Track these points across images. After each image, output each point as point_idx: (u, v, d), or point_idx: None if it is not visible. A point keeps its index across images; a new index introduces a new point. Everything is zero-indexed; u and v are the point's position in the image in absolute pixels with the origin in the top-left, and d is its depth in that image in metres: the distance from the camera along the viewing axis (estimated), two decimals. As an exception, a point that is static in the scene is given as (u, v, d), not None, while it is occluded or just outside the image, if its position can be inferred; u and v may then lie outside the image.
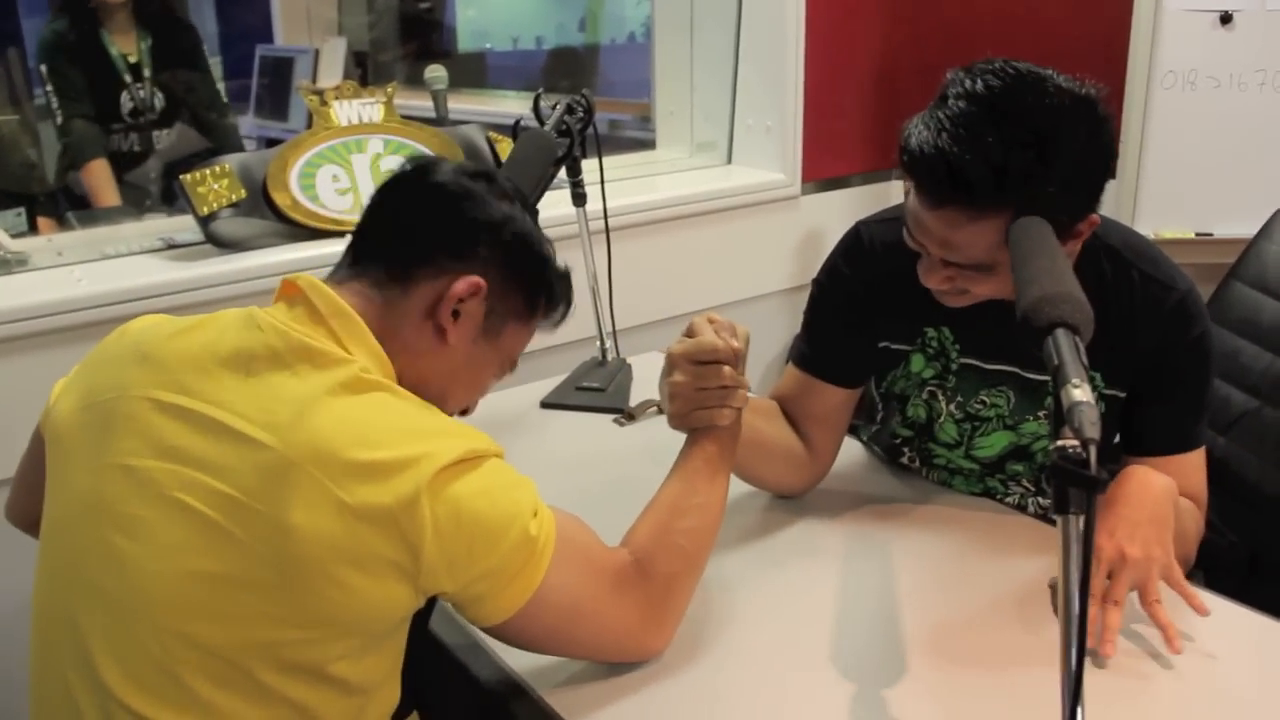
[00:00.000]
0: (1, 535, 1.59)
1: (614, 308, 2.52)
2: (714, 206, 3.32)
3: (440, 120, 2.96)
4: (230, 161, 2.56)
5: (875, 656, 1.48)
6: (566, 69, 6.24)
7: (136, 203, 3.73)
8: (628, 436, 2.21)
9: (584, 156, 2.30)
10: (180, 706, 1.18)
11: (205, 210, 2.48)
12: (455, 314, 1.36)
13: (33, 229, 3.32)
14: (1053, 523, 1.06)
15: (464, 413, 1.49)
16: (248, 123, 5.38)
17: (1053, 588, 1.61)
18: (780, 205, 3.48)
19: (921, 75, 3.51)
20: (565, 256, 1.54)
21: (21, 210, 3.05)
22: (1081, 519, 1.03)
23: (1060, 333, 1.14)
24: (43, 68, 3.66)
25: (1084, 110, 1.51)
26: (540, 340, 1.54)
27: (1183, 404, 1.74)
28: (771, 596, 1.63)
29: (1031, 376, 1.78)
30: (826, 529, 1.82)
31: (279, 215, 2.57)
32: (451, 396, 1.34)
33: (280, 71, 5.58)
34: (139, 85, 3.74)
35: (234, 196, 2.52)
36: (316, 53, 5.57)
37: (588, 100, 2.22)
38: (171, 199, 2.52)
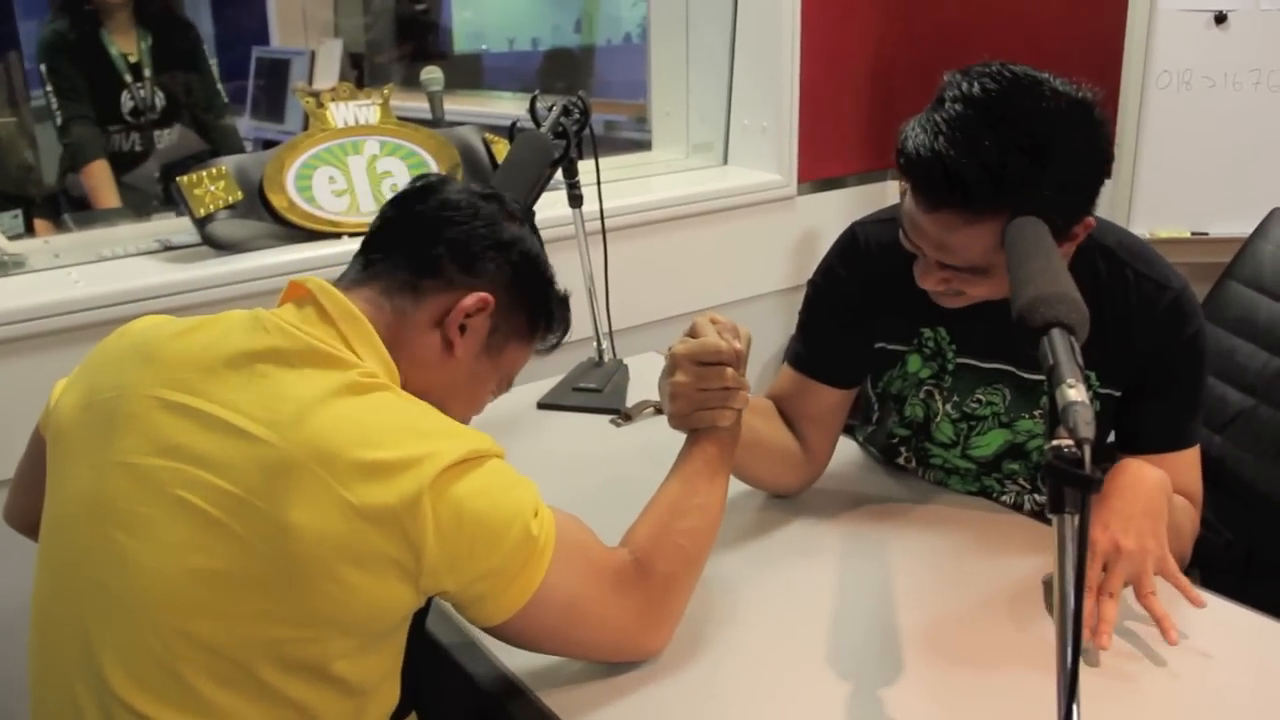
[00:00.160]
0: (6, 536, 1.59)
1: (610, 309, 2.52)
2: (710, 207, 3.32)
3: (436, 122, 2.96)
4: (227, 163, 2.56)
5: (872, 655, 1.48)
6: (562, 70, 6.24)
7: (136, 204, 3.72)
8: (624, 437, 2.21)
9: (580, 158, 2.30)
10: (181, 705, 1.18)
11: (202, 212, 2.48)
12: (462, 328, 1.38)
13: (30, 231, 3.32)
14: (1048, 521, 1.06)
15: None
16: (244, 124, 5.38)
17: (1045, 585, 1.61)
18: (776, 206, 3.49)
19: (917, 75, 3.53)
20: (562, 258, 1.55)
21: (18, 212, 3.05)
22: (1077, 518, 1.03)
23: (1056, 332, 1.14)
24: (42, 68, 3.65)
25: (1080, 114, 1.51)
26: (538, 342, 1.54)
27: (1177, 402, 1.74)
28: (768, 596, 1.64)
29: (1027, 376, 1.78)
30: (823, 529, 1.83)
31: (275, 217, 2.57)
32: (450, 410, 1.35)
33: (276, 73, 5.58)
34: (139, 85, 3.74)
35: (230, 198, 2.52)
36: (313, 54, 5.58)
37: (584, 102, 2.23)
38: (173, 200, 2.52)
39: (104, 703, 1.20)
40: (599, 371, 2.48)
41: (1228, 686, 1.43)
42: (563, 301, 1.54)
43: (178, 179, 2.48)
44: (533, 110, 2.24)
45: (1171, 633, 1.46)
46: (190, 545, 1.19)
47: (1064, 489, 1.03)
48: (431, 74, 3.02)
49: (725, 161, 3.63)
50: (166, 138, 3.84)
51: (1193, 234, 3.13)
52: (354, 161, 2.69)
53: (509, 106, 5.49)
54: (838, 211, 3.58)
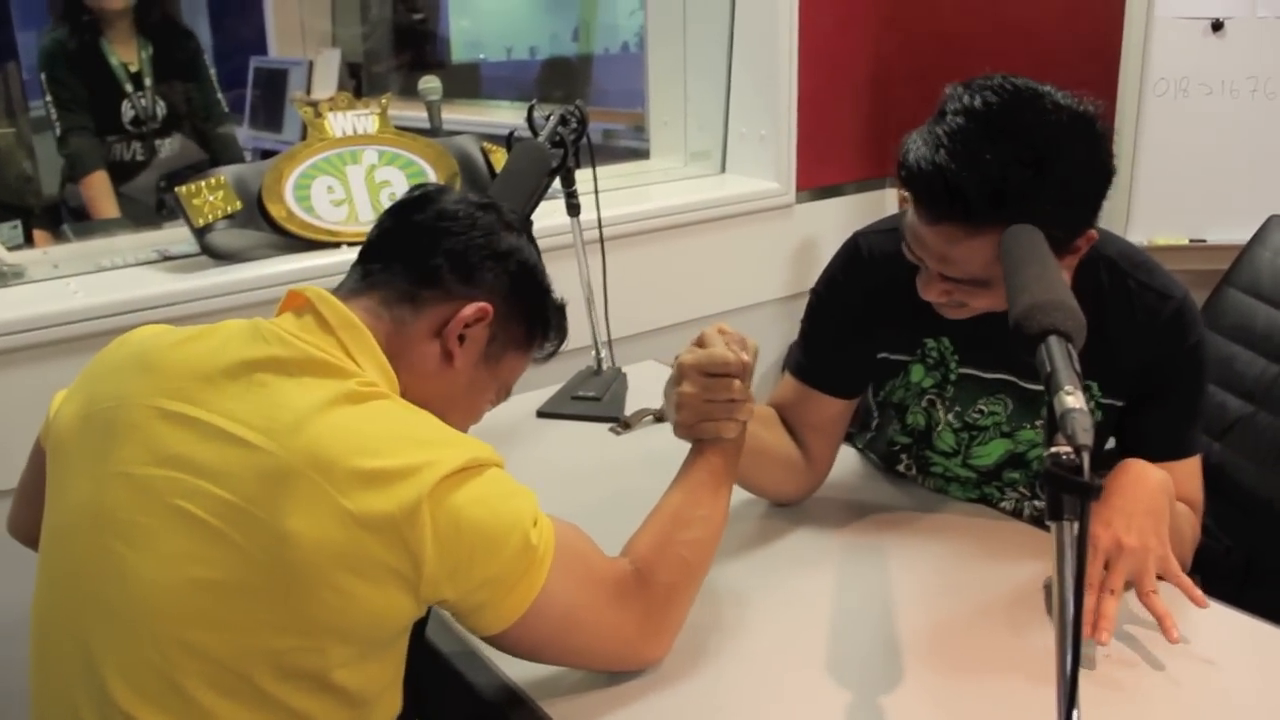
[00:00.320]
0: (5, 544, 1.59)
1: (609, 317, 2.53)
2: (708, 216, 3.32)
3: (434, 131, 2.97)
4: (225, 173, 2.56)
5: (873, 663, 1.48)
6: (560, 79, 6.24)
7: (136, 214, 3.72)
8: (623, 446, 2.22)
9: (578, 167, 2.31)
10: (182, 715, 1.18)
11: (200, 222, 2.48)
12: (461, 338, 1.39)
13: (29, 241, 3.32)
14: (1048, 528, 1.06)
15: None
16: (242, 134, 5.38)
17: (1048, 588, 1.61)
18: (774, 214, 3.49)
19: (914, 83, 3.54)
20: (560, 267, 1.55)
21: (18, 223, 3.06)
22: (1075, 524, 1.03)
23: (1053, 340, 1.14)
24: (43, 77, 3.65)
25: (1082, 127, 1.51)
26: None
27: (1178, 410, 1.74)
28: (769, 605, 1.63)
29: (1029, 386, 1.78)
30: (823, 537, 1.83)
31: (274, 227, 2.57)
32: (449, 419, 1.35)
33: (274, 83, 5.58)
34: (140, 94, 3.74)
35: (229, 208, 2.52)
36: (311, 64, 5.58)
37: (581, 111, 2.23)
38: (173, 210, 2.53)
39: (105, 713, 1.20)
40: (598, 380, 2.48)
41: (1228, 693, 1.43)
42: (559, 310, 1.55)
43: (176, 189, 2.48)
44: (530, 119, 2.24)
45: (1173, 631, 1.46)
46: (190, 555, 1.18)
47: (1063, 496, 1.03)
48: (429, 83, 3.02)
49: (723, 170, 3.63)
50: (167, 147, 3.84)
51: (1191, 241, 3.13)
52: (352, 171, 2.70)
53: (507, 115, 5.50)
54: (836, 220, 3.58)
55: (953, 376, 1.83)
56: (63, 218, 3.81)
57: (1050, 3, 3.33)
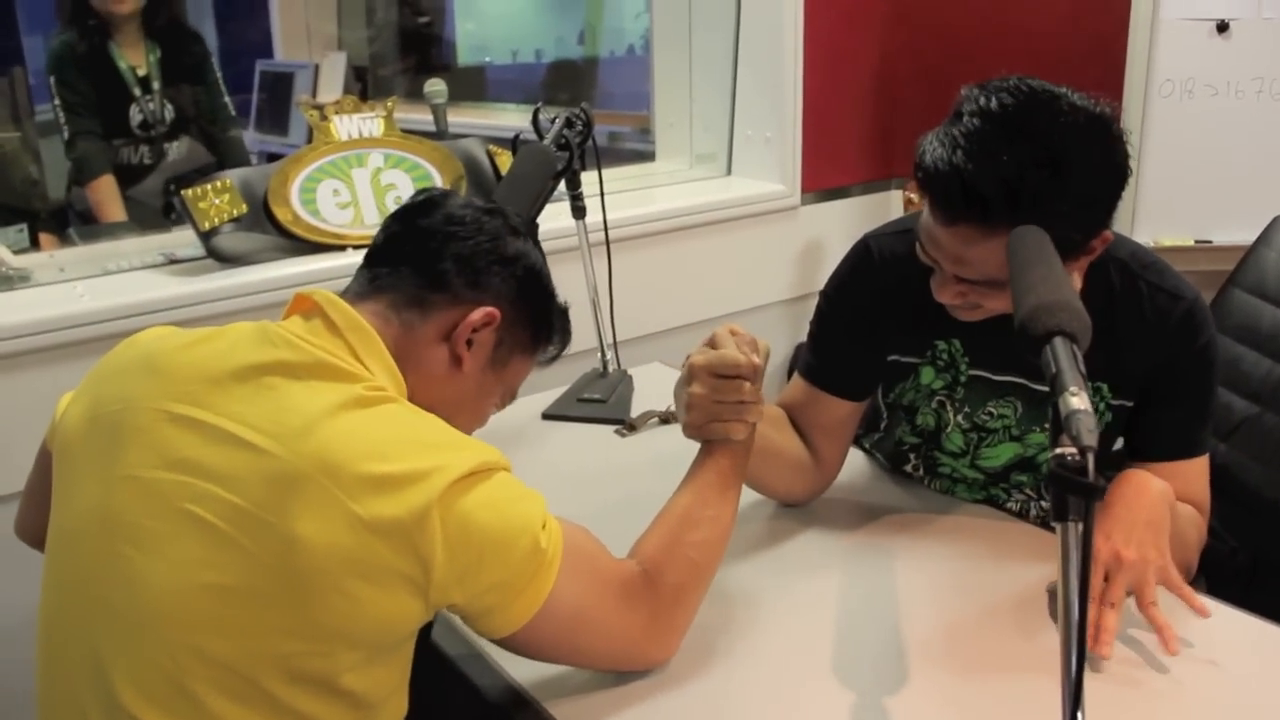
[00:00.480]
0: (5, 549, 1.59)
1: (614, 320, 2.53)
2: (714, 218, 3.32)
3: (440, 134, 2.97)
4: (231, 176, 2.56)
5: (880, 664, 1.48)
6: (566, 82, 6.24)
7: (143, 217, 3.72)
8: (629, 448, 2.22)
9: (583, 169, 2.31)
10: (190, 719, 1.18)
11: (206, 225, 2.48)
12: (469, 343, 1.39)
13: (35, 245, 3.32)
14: (1053, 529, 1.06)
15: None
16: (248, 137, 5.38)
17: (1051, 592, 1.61)
18: (780, 216, 3.49)
19: (920, 85, 3.54)
20: (565, 269, 1.56)
21: (24, 226, 3.06)
22: (1080, 525, 1.03)
23: (1058, 341, 1.14)
24: (51, 80, 3.65)
25: (1098, 129, 1.51)
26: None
27: (1187, 411, 1.74)
28: (775, 605, 1.63)
29: (1039, 389, 1.78)
30: (831, 538, 1.83)
31: (280, 230, 2.58)
32: (456, 423, 1.35)
33: (280, 86, 5.59)
34: (148, 98, 3.74)
35: (235, 211, 2.53)
36: (316, 68, 5.58)
37: (586, 114, 2.23)
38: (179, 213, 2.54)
39: (113, 717, 1.20)
40: (603, 382, 2.48)
41: (1233, 694, 1.43)
42: (563, 314, 1.56)
43: (182, 192, 2.49)
44: (536, 122, 2.25)
45: (1172, 643, 1.46)
46: (199, 560, 1.18)
47: (1067, 497, 1.03)
48: (435, 86, 3.02)
49: (729, 172, 3.64)
50: (174, 150, 3.84)
51: (1196, 242, 3.13)
52: (358, 174, 2.70)
53: (513, 118, 5.49)
54: (841, 221, 3.58)
55: (963, 378, 1.83)
56: (70, 221, 3.81)
57: (1055, 4, 3.33)
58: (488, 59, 6.70)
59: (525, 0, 6.75)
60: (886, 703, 1.40)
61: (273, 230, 2.58)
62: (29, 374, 2.23)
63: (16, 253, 2.52)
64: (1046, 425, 1.81)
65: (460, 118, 4.21)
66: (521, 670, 1.45)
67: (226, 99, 4.05)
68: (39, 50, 4.73)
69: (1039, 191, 1.46)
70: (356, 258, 2.44)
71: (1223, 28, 3.04)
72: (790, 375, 1.96)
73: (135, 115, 3.74)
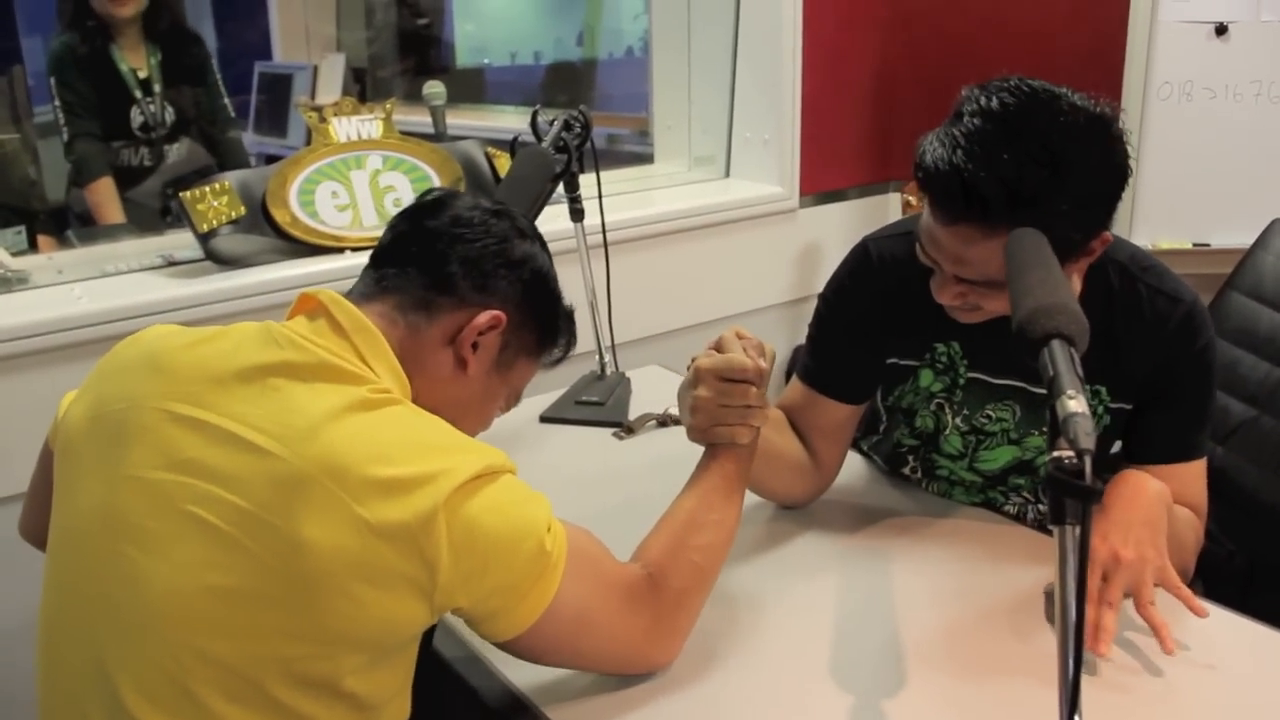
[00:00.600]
0: (4, 551, 1.59)
1: (612, 322, 2.53)
2: (712, 220, 3.32)
3: (439, 136, 2.97)
4: (230, 179, 2.56)
5: (878, 667, 1.48)
6: (564, 84, 6.24)
7: (143, 218, 3.72)
8: (627, 450, 2.22)
9: (582, 172, 2.31)
10: None
11: (205, 227, 2.48)
12: (474, 346, 1.39)
13: (33, 247, 3.32)
14: (1051, 532, 1.06)
15: None
16: (246, 139, 5.38)
17: (1047, 595, 1.61)
18: (778, 218, 3.49)
19: (919, 88, 3.54)
20: (564, 272, 1.55)
21: (22, 229, 3.05)
22: (1078, 528, 1.03)
23: (1056, 344, 1.14)
24: (52, 81, 3.65)
25: (1098, 129, 1.52)
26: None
27: (1185, 414, 1.75)
28: (775, 608, 1.64)
29: (1037, 392, 1.78)
30: (829, 541, 1.83)
31: (278, 232, 2.58)
32: (460, 426, 1.35)
33: (279, 88, 5.59)
34: (149, 100, 3.75)
35: (233, 213, 2.52)
36: (315, 69, 5.58)
37: (585, 116, 2.23)
38: (178, 215, 2.54)
39: (114, 717, 1.20)
40: (601, 385, 2.48)
41: (1231, 697, 1.43)
42: (569, 317, 1.55)
43: (180, 194, 2.49)
44: (534, 125, 2.25)
45: (1169, 643, 1.45)
46: (203, 562, 1.18)
47: (1065, 500, 1.03)
48: (434, 88, 3.02)
49: (727, 174, 3.64)
50: (175, 152, 3.85)
51: (1194, 245, 3.13)
52: (357, 176, 2.70)
53: (511, 120, 5.50)
54: (840, 224, 3.58)
55: (961, 381, 1.83)
56: (69, 223, 3.81)
57: (1054, 7, 3.33)
58: (486, 61, 6.70)
59: (524, 2, 6.75)
60: (885, 705, 1.40)
61: (271, 232, 2.58)
62: (27, 376, 2.23)
63: (14, 255, 2.52)
64: (1045, 429, 1.81)
65: (459, 120, 4.21)
66: (520, 674, 1.45)
67: (226, 101, 4.06)
68: (38, 51, 4.73)
69: (1039, 191, 1.46)
70: (355, 260, 2.44)
71: (1221, 30, 3.04)
72: (789, 378, 1.95)
73: (136, 117, 3.74)
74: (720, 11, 3.47)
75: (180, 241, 2.66)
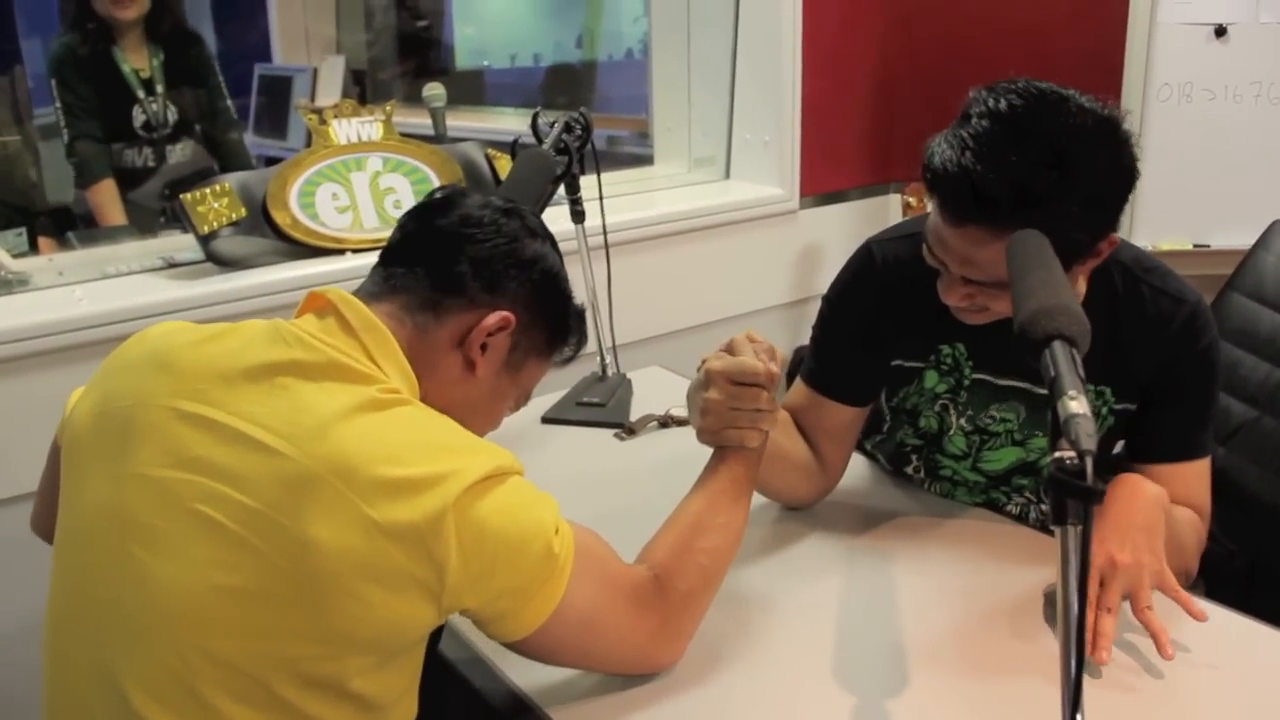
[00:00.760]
0: (5, 553, 1.60)
1: (614, 323, 2.53)
2: (712, 221, 3.32)
3: (439, 138, 2.97)
4: (230, 180, 2.56)
5: (882, 668, 1.48)
6: (564, 85, 6.24)
7: (146, 220, 3.72)
8: (628, 451, 2.22)
9: (582, 173, 2.31)
10: None
11: (205, 229, 2.48)
12: (483, 347, 1.38)
13: (34, 248, 3.32)
14: (1052, 532, 1.06)
15: None
16: (247, 141, 5.39)
17: (1047, 596, 1.61)
18: (778, 220, 3.49)
19: (918, 89, 3.55)
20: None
21: (22, 230, 3.06)
22: (1079, 529, 1.03)
23: (1057, 345, 1.14)
24: (52, 82, 3.65)
25: (1106, 130, 1.52)
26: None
27: (1188, 413, 1.75)
28: (778, 609, 1.64)
29: (1042, 392, 1.77)
30: (833, 541, 1.83)
31: (279, 234, 2.58)
32: (469, 426, 1.35)
33: (279, 90, 5.59)
34: (152, 100, 3.75)
35: (234, 215, 2.53)
36: (315, 71, 5.58)
37: (585, 118, 2.23)
38: (178, 217, 2.54)
39: (121, 717, 1.20)
40: (602, 386, 2.48)
41: (1232, 698, 1.43)
42: (580, 316, 1.54)
43: (181, 196, 2.49)
44: (535, 127, 2.25)
45: (1167, 648, 1.45)
46: (210, 561, 1.18)
47: (1066, 501, 1.03)
48: (434, 90, 3.03)
49: (727, 176, 3.64)
50: (178, 153, 3.85)
51: (1194, 246, 3.13)
52: (357, 178, 2.70)
53: (511, 122, 5.50)
54: (840, 225, 3.59)
55: (966, 382, 1.83)
56: (76, 224, 3.81)
57: (1054, 8, 3.33)
58: (486, 63, 6.70)
59: (524, 4, 6.75)
60: (889, 705, 1.41)
61: (271, 234, 2.58)
62: (28, 378, 2.23)
63: (15, 256, 2.52)
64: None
65: (459, 121, 4.21)
66: (524, 675, 1.46)
67: (228, 102, 4.06)
68: (37, 53, 4.73)
69: (1048, 192, 1.46)
70: (356, 261, 2.44)
71: (1221, 32, 3.04)
72: (790, 380, 1.95)
73: (138, 116, 3.74)
74: (720, 13, 3.47)
75: (181, 243, 2.66)
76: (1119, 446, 1.82)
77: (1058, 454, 1.04)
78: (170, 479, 1.22)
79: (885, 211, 3.74)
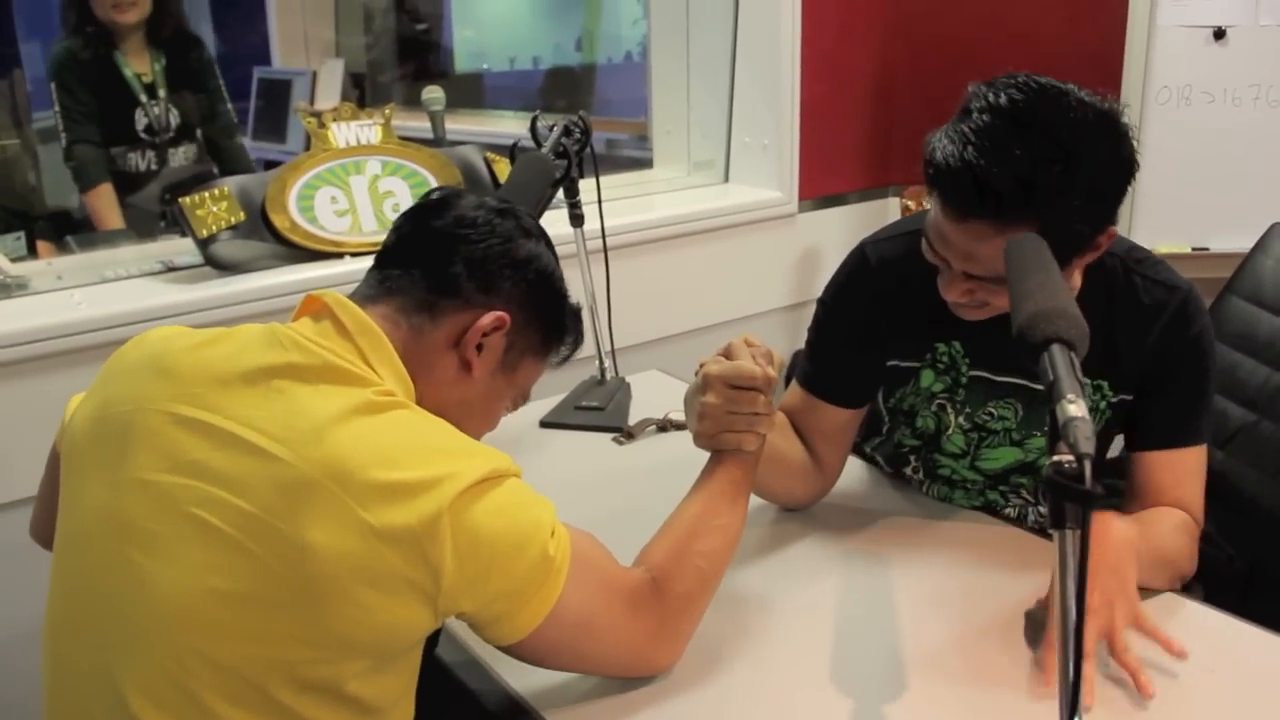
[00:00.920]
0: (5, 557, 1.59)
1: (612, 327, 2.53)
2: (711, 225, 3.32)
3: (438, 141, 2.97)
4: (229, 184, 2.56)
5: (879, 672, 1.48)
6: (563, 89, 6.24)
7: (147, 224, 3.72)
8: (627, 455, 2.22)
9: (581, 177, 2.31)
10: None
11: (204, 233, 2.48)
12: (479, 348, 1.39)
13: (32, 252, 3.32)
14: (1050, 536, 1.06)
15: None
16: (246, 145, 5.39)
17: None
18: (777, 223, 3.49)
19: (917, 92, 3.55)
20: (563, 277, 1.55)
21: (21, 234, 3.05)
22: (1078, 533, 1.03)
23: (1056, 348, 1.14)
24: (52, 85, 3.65)
25: (1106, 124, 1.52)
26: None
27: (1182, 399, 1.75)
28: (776, 612, 1.64)
29: (1039, 389, 1.78)
30: (831, 544, 1.83)
31: (278, 237, 2.58)
32: (466, 426, 1.35)
33: (278, 93, 5.58)
34: (154, 104, 3.75)
35: (233, 219, 2.52)
36: (314, 75, 5.58)
37: (584, 121, 2.23)
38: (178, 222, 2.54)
39: None
40: (601, 390, 2.48)
41: (1231, 702, 1.43)
42: (576, 315, 1.55)
43: (180, 200, 2.49)
44: (534, 130, 2.25)
45: (1146, 689, 1.42)
46: (208, 565, 1.18)
47: (1065, 504, 1.03)
48: (433, 93, 3.03)
49: (726, 179, 3.64)
50: (180, 157, 3.85)
51: (1193, 249, 3.13)
52: (356, 181, 2.70)
53: (510, 125, 5.50)
54: (839, 229, 3.59)
55: (964, 380, 1.83)
56: (77, 228, 3.81)
57: (1053, 12, 3.33)
58: (485, 66, 6.70)
59: (523, 7, 6.75)
60: (887, 709, 1.41)
61: (270, 238, 2.58)
62: (27, 382, 2.23)
63: (14, 260, 2.52)
64: (1046, 430, 1.81)
65: (458, 125, 4.22)
66: (520, 679, 1.46)
67: (229, 106, 4.06)
68: (37, 56, 4.73)
69: (1052, 185, 1.47)
70: (354, 265, 2.44)
71: (1220, 35, 3.04)
72: (789, 383, 1.95)
73: (140, 119, 3.74)
74: (719, 16, 3.47)
75: (180, 247, 2.66)
76: (1117, 449, 1.81)
77: (1056, 457, 1.04)
78: (167, 483, 1.22)
79: (884, 215, 3.74)
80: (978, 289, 1.61)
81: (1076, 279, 1.67)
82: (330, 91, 5.49)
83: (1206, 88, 3.08)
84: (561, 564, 1.28)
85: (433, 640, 1.36)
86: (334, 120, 2.75)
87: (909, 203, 3.52)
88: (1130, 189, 1.56)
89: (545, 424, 2.36)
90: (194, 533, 1.20)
